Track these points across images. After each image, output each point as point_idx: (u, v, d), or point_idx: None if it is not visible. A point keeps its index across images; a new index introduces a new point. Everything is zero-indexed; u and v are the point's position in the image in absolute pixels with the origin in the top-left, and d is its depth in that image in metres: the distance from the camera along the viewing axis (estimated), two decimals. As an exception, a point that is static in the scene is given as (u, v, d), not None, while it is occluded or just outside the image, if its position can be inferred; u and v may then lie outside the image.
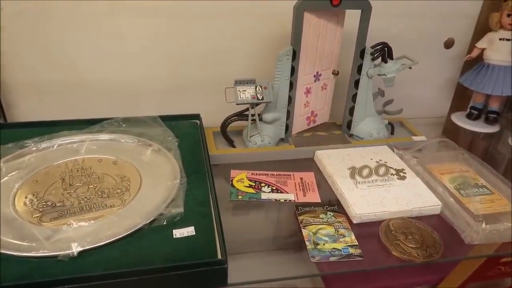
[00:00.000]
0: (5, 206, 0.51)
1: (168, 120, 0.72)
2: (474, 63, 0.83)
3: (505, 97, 0.84)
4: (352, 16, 0.67)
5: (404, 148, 0.71)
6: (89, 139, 0.66)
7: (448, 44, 0.85)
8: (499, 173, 0.67)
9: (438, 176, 0.63)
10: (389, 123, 0.77)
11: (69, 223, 0.49)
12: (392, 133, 0.78)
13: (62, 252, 0.44)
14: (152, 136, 0.67)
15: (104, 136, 0.67)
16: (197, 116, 0.74)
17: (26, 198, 0.53)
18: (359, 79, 0.70)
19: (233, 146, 0.71)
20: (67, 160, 0.62)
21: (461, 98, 0.92)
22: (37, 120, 0.69)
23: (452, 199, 0.58)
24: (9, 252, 0.44)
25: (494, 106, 0.84)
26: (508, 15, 0.76)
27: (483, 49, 0.80)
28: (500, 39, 0.78)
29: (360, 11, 0.65)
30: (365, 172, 0.64)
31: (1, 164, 0.58)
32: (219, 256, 0.45)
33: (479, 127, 0.85)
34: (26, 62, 0.72)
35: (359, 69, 0.69)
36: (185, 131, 0.70)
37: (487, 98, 0.84)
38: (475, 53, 0.81)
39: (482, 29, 0.83)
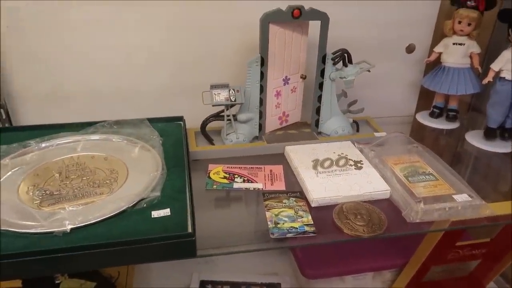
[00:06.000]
0: (11, 195, 0.60)
1: (155, 122, 0.80)
2: (434, 66, 0.91)
3: (464, 96, 0.91)
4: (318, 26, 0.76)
5: (366, 143, 0.79)
6: (84, 139, 0.75)
7: (410, 49, 0.94)
8: (454, 162, 0.75)
9: (391, 166, 0.71)
10: (354, 122, 0.85)
11: (63, 207, 0.58)
12: (357, 130, 0.86)
13: (57, 229, 0.52)
14: (140, 136, 0.76)
15: (97, 136, 0.76)
16: (180, 118, 0.83)
17: (28, 188, 0.62)
18: (322, 82, 0.79)
19: (213, 144, 0.80)
20: (64, 157, 0.70)
21: (426, 98, 1.00)
22: (40, 123, 0.79)
23: (399, 185, 0.66)
24: (15, 230, 0.52)
25: (453, 104, 0.92)
26: (459, 22, 0.84)
27: (440, 53, 0.89)
28: (454, 44, 0.86)
29: (320, 22, 0.74)
30: (327, 163, 0.72)
31: (8, 160, 0.67)
32: (189, 231, 0.53)
33: (441, 125, 0.93)
34: (29, 72, 0.82)
35: (322, 73, 0.78)
36: (169, 131, 0.79)
37: (447, 97, 0.92)
38: (433, 57, 0.90)
39: (440, 34, 0.91)
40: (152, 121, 0.80)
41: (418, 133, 0.94)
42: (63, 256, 0.50)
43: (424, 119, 0.95)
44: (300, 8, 0.71)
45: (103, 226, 0.54)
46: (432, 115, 0.95)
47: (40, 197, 0.60)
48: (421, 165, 0.72)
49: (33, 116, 0.85)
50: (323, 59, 0.77)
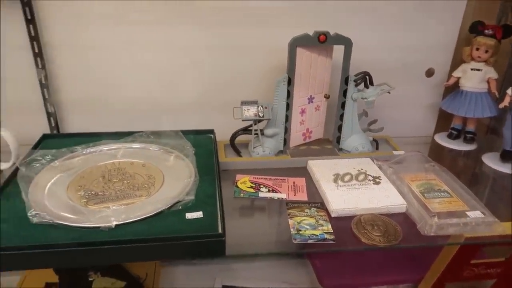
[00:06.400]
0: (61, 193, 0.67)
1: (188, 134, 0.87)
2: (452, 89, 0.96)
3: (482, 119, 0.95)
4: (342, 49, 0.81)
5: (384, 160, 0.84)
6: (124, 147, 0.82)
7: (429, 73, 0.98)
8: (470, 183, 0.79)
9: (408, 182, 0.76)
10: (374, 140, 0.90)
11: (108, 206, 0.64)
12: (377, 148, 0.91)
13: (103, 225, 0.59)
14: (174, 146, 0.82)
15: (136, 145, 0.83)
16: (211, 131, 0.90)
17: (76, 188, 0.69)
18: (344, 101, 0.84)
19: (240, 156, 0.86)
20: (106, 162, 0.78)
21: (445, 120, 1.04)
22: (84, 131, 0.87)
23: (415, 200, 0.70)
24: (67, 223, 0.59)
25: (471, 127, 0.96)
26: (477, 49, 0.89)
27: (458, 78, 0.93)
28: (472, 69, 0.90)
29: (344, 46, 0.80)
30: (347, 178, 0.77)
31: (58, 163, 0.75)
32: (219, 231, 0.59)
33: (459, 146, 0.97)
34: (77, 85, 0.91)
35: (344, 93, 0.84)
36: (201, 143, 0.85)
37: (464, 120, 0.96)
38: (451, 81, 0.94)
39: (459, 60, 0.96)
40: (185, 133, 0.87)
41: (436, 153, 0.98)
42: (109, 248, 0.56)
43: (442, 140, 0.99)
44: (325, 34, 0.78)
45: (143, 224, 0.61)
46: (450, 136, 0.98)
47: (87, 197, 0.67)
48: (437, 182, 0.76)
49: (78, 124, 0.93)
50: (345, 81, 0.83)
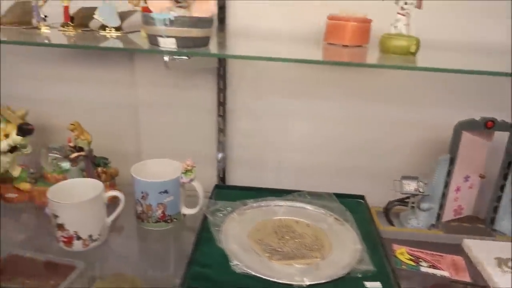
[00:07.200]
0: (247, 246, 0.77)
1: (339, 197, 0.94)
2: None
3: None
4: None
5: (546, 248, 0.82)
6: (286, 205, 0.91)
7: None
8: None
9: None
10: (530, 224, 0.89)
11: (290, 263, 0.72)
12: (533, 233, 0.90)
13: (296, 283, 0.66)
14: (332, 208, 0.89)
15: (297, 204, 0.91)
16: (362, 197, 0.96)
17: (255, 241, 0.78)
18: (504, 184, 0.86)
19: (392, 225, 0.90)
20: (275, 218, 0.87)
21: None
22: (246, 185, 0.99)
23: None
24: (263, 277, 0.68)
25: None
26: None
27: None
28: None
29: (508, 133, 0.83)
30: (510, 263, 0.78)
31: (235, 215, 0.86)
32: (403, 306, 0.64)
33: None
34: (242, 144, 1.03)
35: (505, 177, 0.85)
36: (353, 207, 0.91)
37: None
38: None
39: None
40: (336, 195, 0.93)
41: None
42: (304, 307, 0.63)
43: None
44: (493, 120, 0.81)
45: (327, 286, 0.67)
46: None
47: (268, 251, 0.76)
48: None
49: (240, 177, 1.06)
50: (508, 164, 0.85)
